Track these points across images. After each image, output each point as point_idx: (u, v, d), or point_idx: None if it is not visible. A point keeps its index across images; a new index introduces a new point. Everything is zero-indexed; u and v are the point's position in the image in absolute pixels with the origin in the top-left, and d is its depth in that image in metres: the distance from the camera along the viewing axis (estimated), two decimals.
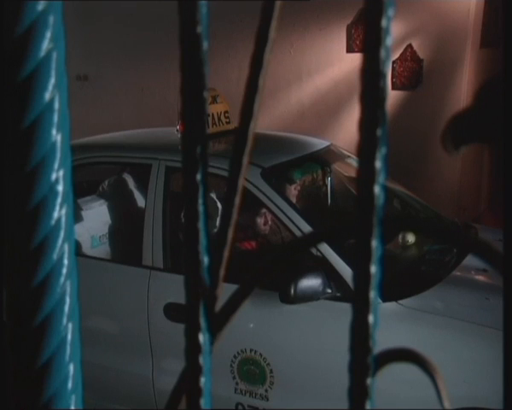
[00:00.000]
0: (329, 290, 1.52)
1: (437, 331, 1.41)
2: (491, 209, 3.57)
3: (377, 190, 0.19)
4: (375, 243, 0.20)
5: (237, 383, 1.63)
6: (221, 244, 0.22)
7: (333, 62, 4.05)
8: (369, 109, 0.18)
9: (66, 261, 0.20)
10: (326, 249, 1.55)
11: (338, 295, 1.52)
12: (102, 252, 2.20)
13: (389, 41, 0.18)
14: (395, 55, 3.75)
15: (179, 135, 2.11)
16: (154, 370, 1.72)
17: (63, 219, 0.20)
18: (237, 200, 0.22)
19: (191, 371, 0.21)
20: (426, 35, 3.71)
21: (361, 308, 0.20)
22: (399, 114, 3.77)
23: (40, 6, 0.19)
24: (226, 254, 0.22)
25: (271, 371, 1.58)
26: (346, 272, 1.52)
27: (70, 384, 0.20)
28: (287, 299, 1.45)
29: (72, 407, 0.21)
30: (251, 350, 1.59)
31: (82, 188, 2.31)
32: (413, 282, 1.63)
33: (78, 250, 2.06)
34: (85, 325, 1.86)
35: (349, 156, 2.20)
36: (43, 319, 0.20)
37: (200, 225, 0.21)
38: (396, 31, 3.48)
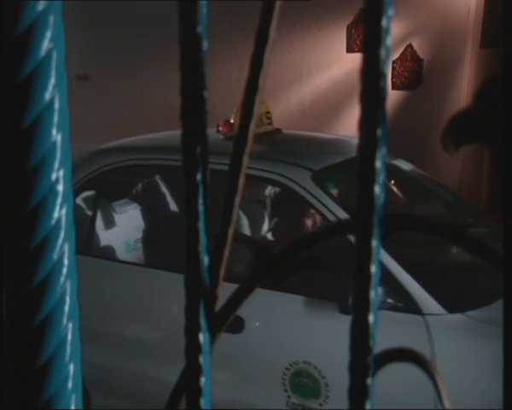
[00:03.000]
0: (390, 300, 1.45)
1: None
2: (491, 209, 3.57)
3: (377, 189, 0.19)
4: (375, 243, 0.20)
5: (289, 397, 1.55)
6: (221, 244, 0.22)
7: (333, 62, 4.05)
8: (369, 109, 0.18)
9: (66, 261, 0.20)
10: (385, 256, 1.47)
11: (400, 305, 1.46)
12: (137, 256, 2.14)
13: (389, 41, 0.18)
14: (395, 55, 3.75)
15: (221, 136, 1.99)
16: None
17: (63, 219, 0.20)
18: (237, 200, 0.22)
19: (191, 371, 0.21)
20: (426, 35, 3.71)
21: (361, 308, 0.20)
22: (399, 114, 3.77)
23: (40, 6, 0.19)
24: (226, 254, 0.22)
25: (327, 385, 1.49)
26: (408, 281, 1.45)
27: (70, 384, 0.20)
28: (346, 309, 1.38)
29: (73, 407, 0.21)
30: (304, 362, 1.51)
31: (115, 191, 2.26)
32: (480, 293, 1.55)
33: (111, 255, 2.01)
34: (123, 332, 1.79)
35: (395, 158, 2.13)
36: (44, 319, 0.20)
37: (201, 225, 0.21)
38: (396, 31, 3.47)
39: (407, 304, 1.46)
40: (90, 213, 2.07)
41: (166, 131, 2.60)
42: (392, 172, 2.16)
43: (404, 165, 2.25)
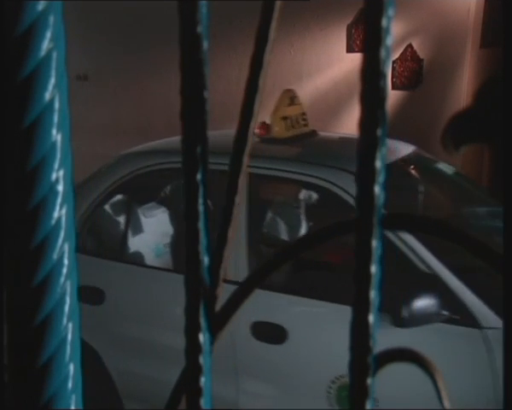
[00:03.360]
0: (445, 312, 1.36)
1: None
2: None
3: (377, 189, 0.19)
4: (375, 243, 0.20)
5: None
6: (221, 244, 0.22)
7: (333, 62, 4.05)
8: (369, 109, 0.18)
9: (66, 261, 0.20)
10: (438, 266, 1.40)
11: (455, 317, 1.36)
12: (166, 262, 2.07)
13: (389, 41, 0.18)
14: (395, 55, 3.75)
15: (256, 139, 1.90)
16: (240, 392, 1.58)
17: (63, 219, 0.20)
18: (237, 199, 0.22)
19: (191, 371, 0.21)
20: (426, 35, 3.71)
21: (361, 308, 0.20)
22: (399, 114, 3.77)
23: (40, 6, 0.19)
24: (226, 254, 0.22)
25: (377, 401, 1.39)
26: (463, 292, 1.36)
27: (70, 384, 0.20)
28: (399, 322, 1.31)
29: (72, 407, 0.21)
30: None
31: (144, 195, 2.15)
32: None
33: (140, 261, 1.95)
34: (154, 339, 1.70)
35: (435, 161, 2.04)
36: (44, 319, 0.20)
37: (201, 225, 0.21)
38: (396, 30, 3.48)
39: (464, 317, 1.36)
40: (118, 218, 2.01)
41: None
42: (435, 175, 2.07)
43: (447, 168, 2.11)
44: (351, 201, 1.54)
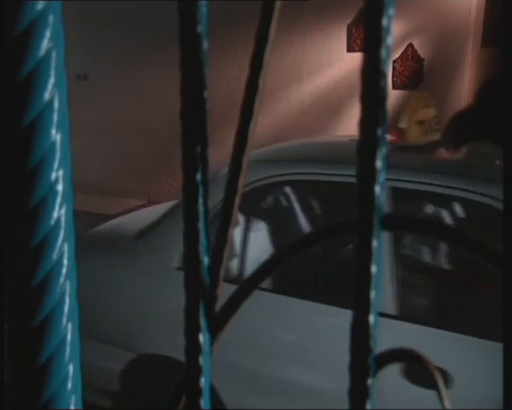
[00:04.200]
0: None
1: None
2: None
3: (378, 189, 0.19)
4: (375, 243, 0.20)
5: None
6: (221, 244, 0.22)
7: (333, 62, 4.05)
8: (370, 109, 0.18)
9: (65, 261, 0.20)
10: None
11: None
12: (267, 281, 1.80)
13: (390, 40, 0.18)
14: (396, 55, 3.75)
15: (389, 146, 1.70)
16: None
17: (63, 219, 0.20)
18: (237, 200, 0.22)
19: (191, 372, 0.21)
20: (427, 34, 3.71)
21: (362, 308, 0.20)
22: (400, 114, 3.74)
23: (40, 5, 0.19)
24: (226, 254, 0.22)
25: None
26: None
27: (70, 385, 0.20)
28: None
29: (72, 408, 0.21)
30: None
31: (257, 209, 1.84)
32: None
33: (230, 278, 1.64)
34: (282, 377, 1.44)
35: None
36: (43, 320, 0.20)
37: (200, 225, 0.21)
38: (397, 30, 3.47)
39: None
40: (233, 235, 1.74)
41: (307, 139, 2.14)
42: None
43: None
44: None
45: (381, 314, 1.27)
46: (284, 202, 1.81)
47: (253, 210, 1.77)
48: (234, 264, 1.73)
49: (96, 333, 1.75)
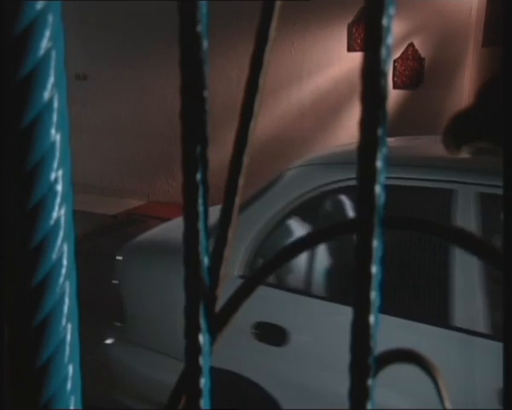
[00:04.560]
0: None
1: None
2: None
3: (378, 189, 0.19)
4: (375, 244, 0.20)
5: None
6: (221, 244, 0.22)
7: (333, 61, 4.05)
8: (370, 109, 0.18)
9: (65, 262, 0.20)
10: None
11: None
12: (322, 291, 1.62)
13: (390, 40, 0.18)
14: (396, 54, 3.75)
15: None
16: None
17: (62, 219, 0.20)
18: (237, 200, 0.22)
19: (191, 372, 0.21)
20: (427, 34, 3.71)
21: (362, 309, 0.20)
22: (400, 114, 3.76)
23: (39, 5, 0.19)
24: (226, 254, 0.22)
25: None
26: None
27: (69, 385, 0.20)
28: None
29: (72, 408, 0.21)
30: None
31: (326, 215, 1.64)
32: None
33: (308, 290, 1.52)
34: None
35: None
36: (43, 320, 0.20)
37: (200, 225, 0.21)
38: (397, 29, 3.47)
39: None
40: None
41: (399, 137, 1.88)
42: None
43: None
44: None
45: (475, 333, 1.20)
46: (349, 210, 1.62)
47: (317, 218, 1.59)
48: (295, 275, 1.57)
49: (156, 345, 1.64)
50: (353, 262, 0.20)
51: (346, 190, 1.49)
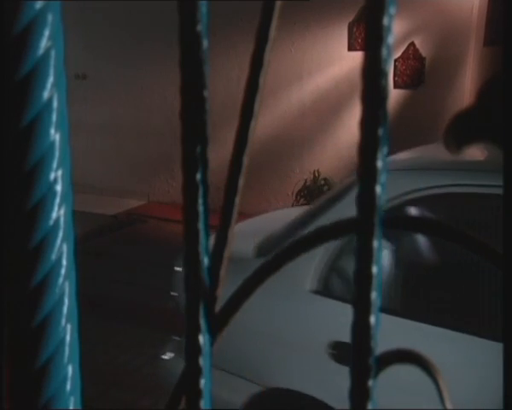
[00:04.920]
0: None
1: None
2: None
3: (378, 189, 0.19)
4: (376, 244, 0.20)
5: None
6: (221, 245, 0.22)
7: (334, 61, 4.04)
8: (371, 108, 0.18)
9: (64, 262, 0.20)
10: None
11: None
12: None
13: (391, 39, 0.18)
14: (397, 54, 3.74)
15: None
16: None
17: (62, 220, 0.20)
18: (237, 200, 0.22)
19: (191, 373, 0.21)
20: (428, 33, 3.70)
21: (362, 309, 0.20)
22: (401, 114, 3.75)
23: (39, 4, 0.19)
24: (226, 254, 0.22)
25: None
26: None
27: (69, 386, 0.20)
28: None
29: (71, 409, 0.21)
30: None
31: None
32: None
33: (386, 306, 1.35)
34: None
35: None
36: (42, 320, 0.19)
37: (200, 225, 0.21)
38: (398, 28, 3.47)
39: None
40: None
41: None
42: None
43: None
44: None
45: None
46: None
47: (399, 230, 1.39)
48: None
49: (221, 362, 1.47)
50: (355, 263, 0.20)
51: (430, 200, 1.35)
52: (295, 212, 1.93)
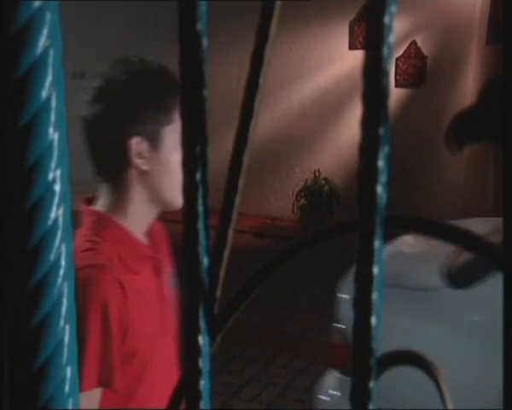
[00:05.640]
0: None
1: None
2: (497, 210, 3.54)
3: (379, 189, 0.19)
4: (377, 244, 0.19)
5: None
6: (221, 245, 0.22)
7: (335, 60, 4.04)
8: (372, 108, 0.18)
9: (63, 262, 0.20)
10: None
11: None
12: None
13: (392, 38, 0.18)
14: (399, 52, 3.73)
15: None
16: None
17: (60, 220, 0.20)
18: (237, 200, 0.22)
19: (191, 374, 0.21)
20: (430, 31, 3.69)
21: (363, 310, 0.20)
22: (403, 113, 3.74)
23: (37, 3, 0.19)
24: (226, 254, 0.22)
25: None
26: None
27: (67, 387, 0.20)
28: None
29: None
30: None
31: None
32: None
33: None
34: None
35: None
36: (40, 321, 0.19)
37: (200, 225, 0.21)
38: (400, 27, 3.45)
39: None
40: None
41: None
42: None
43: None
44: None
45: None
46: None
47: None
48: None
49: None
50: (356, 263, 0.20)
51: None
52: (482, 226, 1.58)
